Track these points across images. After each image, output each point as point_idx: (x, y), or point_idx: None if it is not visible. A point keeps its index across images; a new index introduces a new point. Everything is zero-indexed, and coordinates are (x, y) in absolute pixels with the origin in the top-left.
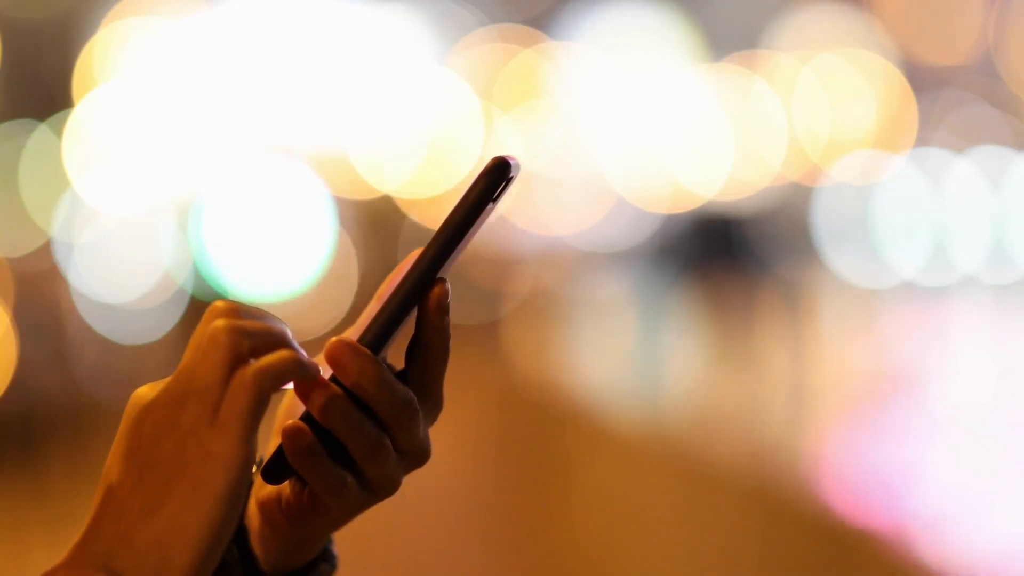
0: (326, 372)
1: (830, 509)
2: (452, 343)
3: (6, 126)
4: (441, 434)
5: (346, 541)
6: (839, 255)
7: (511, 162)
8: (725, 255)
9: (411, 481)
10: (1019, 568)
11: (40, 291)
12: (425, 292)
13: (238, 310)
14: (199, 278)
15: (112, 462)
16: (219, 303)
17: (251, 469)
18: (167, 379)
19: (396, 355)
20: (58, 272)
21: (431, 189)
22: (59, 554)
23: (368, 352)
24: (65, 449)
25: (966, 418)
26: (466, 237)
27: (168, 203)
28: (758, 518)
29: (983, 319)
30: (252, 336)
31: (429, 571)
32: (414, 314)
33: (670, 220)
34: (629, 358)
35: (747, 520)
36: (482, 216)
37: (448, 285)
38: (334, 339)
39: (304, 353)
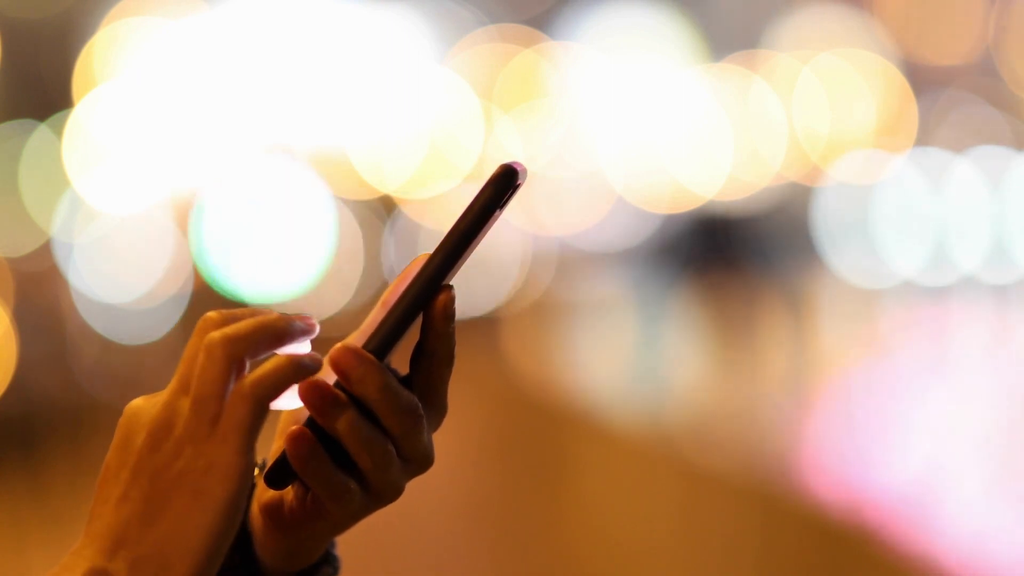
0: (330, 378)
1: (829, 509)
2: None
3: (6, 126)
4: (440, 434)
5: (345, 541)
6: (839, 255)
7: (518, 169)
8: (725, 255)
9: (412, 481)
10: (1017, 563)
11: (40, 291)
12: (431, 299)
13: (229, 319)
14: (199, 278)
15: (108, 472)
16: (211, 314)
17: (250, 479)
18: (162, 392)
19: (400, 361)
20: (58, 272)
21: (431, 189)
22: (58, 554)
23: (372, 358)
24: (65, 449)
25: (966, 418)
26: (472, 244)
27: (168, 203)
28: (758, 518)
29: (983, 319)
30: (247, 341)
31: (428, 571)
32: (419, 320)
33: (670, 220)
34: (629, 358)
35: (747, 520)
36: (489, 223)
37: (454, 292)
38: (339, 345)
39: (307, 345)
